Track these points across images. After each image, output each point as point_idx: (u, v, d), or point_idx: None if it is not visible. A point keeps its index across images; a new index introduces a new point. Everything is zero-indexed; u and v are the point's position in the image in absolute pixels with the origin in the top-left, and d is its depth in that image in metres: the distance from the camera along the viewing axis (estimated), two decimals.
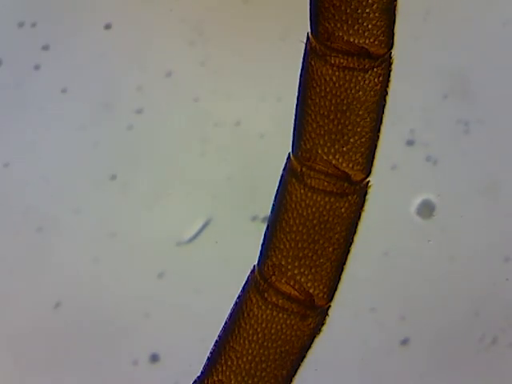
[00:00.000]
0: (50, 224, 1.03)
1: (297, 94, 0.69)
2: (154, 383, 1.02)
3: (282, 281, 0.69)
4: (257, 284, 0.70)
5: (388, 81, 0.68)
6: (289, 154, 0.70)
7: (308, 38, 0.68)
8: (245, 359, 0.69)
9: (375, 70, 0.67)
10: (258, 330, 0.69)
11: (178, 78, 1.04)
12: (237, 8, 1.03)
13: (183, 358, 1.00)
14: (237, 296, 0.72)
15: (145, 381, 1.02)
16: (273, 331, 0.69)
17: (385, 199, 1.00)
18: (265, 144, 1.03)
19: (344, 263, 0.71)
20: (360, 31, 0.66)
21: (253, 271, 0.71)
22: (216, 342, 0.71)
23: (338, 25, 0.66)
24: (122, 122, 1.04)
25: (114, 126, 1.03)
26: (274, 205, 0.71)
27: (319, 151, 0.68)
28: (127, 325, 1.02)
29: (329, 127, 0.68)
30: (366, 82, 0.67)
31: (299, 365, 0.70)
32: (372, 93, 0.67)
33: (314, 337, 0.70)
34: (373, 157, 0.69)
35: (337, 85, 0.67)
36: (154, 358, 1.02)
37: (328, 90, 0.67)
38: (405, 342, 1.02)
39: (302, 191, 0.69)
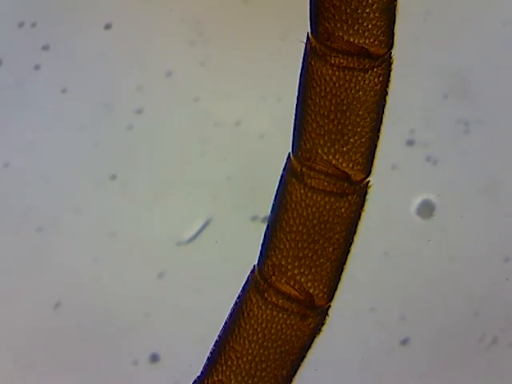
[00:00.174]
0: (49, 224, 1.03)
1: (297, 93, 0.69)
2: (154, 383, 1.02)
3: (282, 281, 0.69)
4: (257, 284, 0.70)
5: (388, 81, 0.68)
6: (289, 153, 0.70)
7: (308, 37, 0.68)
8: (245, 359, 0.69)
9: (375, 70, 0.67)
10: (258, 329, 0.69)
11: (178, 78, 1.04)
12: (237, 8, 1.03)
13: (183, 357, 1.00)
14: (237, 296, 0.72)
15: (145, 381, 1.02)
16: (273, 331, 0.69)
17: (385, 199, 1.01)
18: (265, 144, 1.03)
19: (344, 263, 0.71)
20: (360, 31, 0.66)
21: (253, 271, 0.71)
22: (216, 341, 0.71)
23: (338, 25, 0.67)
24: (122, 122, 1.04)
25: (114, 126, 1.03)
26: (273, 205, 0.71)
27: (319, 151, 0.68)
28: (127, 325, 1.02)
29: (329, 127, 0.68)
30: (366, 82, 0.67)
31: (299, 365, 0.70)
32: (372, 93, 0.67)
33: (314, 337, 0.70)
34: (373, 157, 0.69)
35: (337, 85, 0.67)
36: (154, 358, 1.02)
37: (328, 89, 0.67)
38: (405, 341, 1.02)
39: (302, 191, 0.69)
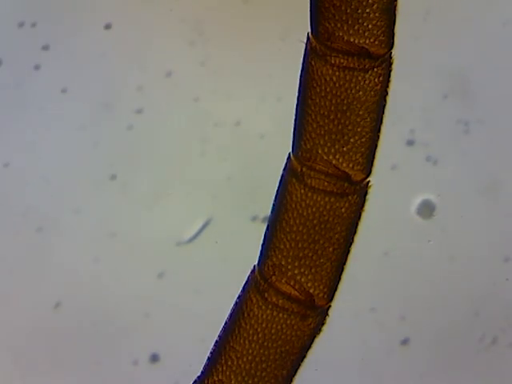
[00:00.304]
0: (50, 224, 1.03)
1: (297, 93, 0.69)
2: (154, 383, 1.02)
3: (283, 281, 0.69)
4: (257, 284, 0.70)
5: (388, 81, 0.68)
6: (289, 154, 0.70)
7: (308, 37, 0.68)
8: (245, 359, 0.69)
9: (375, 70, 0.67)
10: (259, 329, 0.69)
11: (178, 78, 1.04)
12: (237, 8, 1.03)
13: (183, 357, 1.00)
14: (237, 296, 0.72)
15: (145, 381, 1.02)
16: (273, 331, 0.69)
17: (385, 199, 1.00)
18: (265, 144, 1.03)
19: (344, 263, 0.71)
20: (360, 31, 0.67)
21: (253, 271, 0.71)
22: (216, 341, 0.71)
23: (338, 25, 0.67)
24: (122, 121, 1.04)
25: (114, 126, 1.03)
26: (274, 205, 0.71)
27: (319, 151, 0.68)
28: (127, 325, 1.02)
29: (329, 127, 0.68)
30: (366, 81, 0.67)
31: (299, 365, 0.70)
32: (372, 93, 0.67)
33: (315, 337, 0.70)
34: (373, 157, 0.69)
35: (337, 85, 0.67)
36: (154, 358, 1.02)
37: (328, 89, 0.68)
38: (405, 341, 1.02)
39: (303, 191, 0.69)
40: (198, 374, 0.72)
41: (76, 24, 1.03)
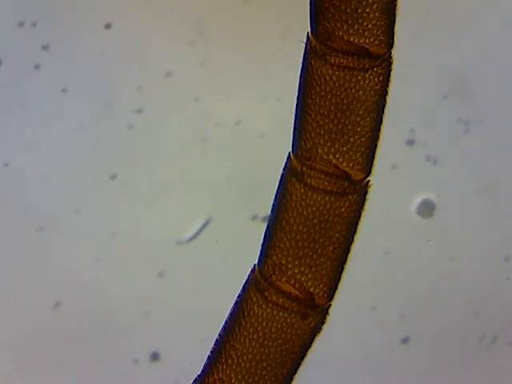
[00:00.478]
0: (49, 224, 1.03)
1: (297, 93, 0.69)
2: (155, 382, 1.02)
3: (283, 280, 0.69)
4: (257, 283, 0.70)
5: (388, 80, 0.68)
6: (289, 153, 0.70)
7: (308, 37, 0.68)
8: (245, 358, 0.69)
9: (375, 69, 0.67)
10: (259, 328, 0.69)
11: (178, 78, 1.04)
12: (237, 8, 1.03)
13: (184, 356, 1.00)
14: (237, 295, 0.72)
15: (145, 379, 1.02)
16: (273, 330, 0.69)
17: (385, 199, 1.00)
18: (265, 144, 1.03)
19: (344, 262, 0.71)
20: (360, 31, 0.67)
21: (253, 270, 0.72)
22: (216, 340, 0.71)
23: (338, 24, 0.67)
24: (122, 121, 1.04)
25: (114, 125, 1.03)
26: (274, 204, 0.71)
27: (319, 151, 0.68)
28: (127, 324, 1.02)
29: (329, 127, 0.68)
30: (366, 81, 0.67)
31: (300, 363, 0.70)
32: (372, 92, 0.68)
33: (315, 335, 0.70)
34: (373, 156, 0.69)
35: (337, 84, 0.67)
36: (155, 357, 1.02)
37: (328, 89, 0.68)
38: (405, 340, 1.02)
39: (303, 190, 0.69)
40: (199, 372, 0.72)
41: (76, 24, 1.03)
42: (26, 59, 1.03)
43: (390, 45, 0.68)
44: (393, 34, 0.68)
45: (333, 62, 0.67)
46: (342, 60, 0.67)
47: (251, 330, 0.70)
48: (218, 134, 1.04)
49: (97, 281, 1.02)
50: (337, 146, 0.68)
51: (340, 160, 0.68)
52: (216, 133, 1.04)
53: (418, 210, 1.03)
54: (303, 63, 0.69)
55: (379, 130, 0.69)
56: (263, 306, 0.70)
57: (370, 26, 0.66)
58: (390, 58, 0.68)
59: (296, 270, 0.69)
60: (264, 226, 0.71)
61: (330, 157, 0.68)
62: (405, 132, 1.03)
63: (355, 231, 0.71)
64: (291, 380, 0.71)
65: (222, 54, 1.03)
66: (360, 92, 0.67)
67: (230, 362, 0.70)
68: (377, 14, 0.67)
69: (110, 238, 1.03)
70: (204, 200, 1.03)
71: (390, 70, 0.68)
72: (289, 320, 0.69)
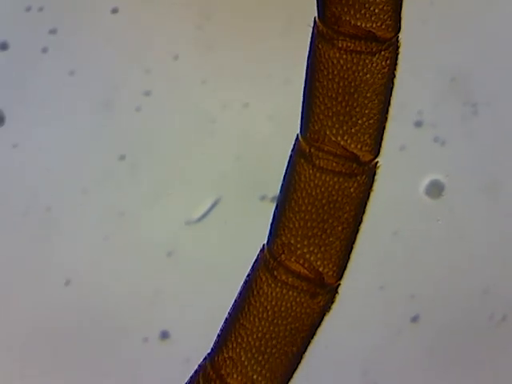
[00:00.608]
0: (58, 204, 1.04)
1: (304, 76, 0.70)
2: (165, 360, 1.03)
3: (292, 259, 0.70)
4: (266, 262, 0.71)
5: (395, 64, 0.69)
6: (297, 135, 0.71)
7: (315, 22, 0.69)
8: (255, 336, 0.70)
9: (382, 53, 0.68)
10: (268, 307, 0.70)
11: (186, 61, 1.04)
12: None
13: (193, 335, 1.01)
14: (246, 274, 0.72)
15: (155, 358, 1.03)
16: (282, 309, 0.69)
17: (394, 180, 1.01)
18: (273, 125, 1.03)
19: (353, 242, 0.71)
20: (367, 15, 0.67)
21: (262, 250, 0.72)
22: (226, 319, 0.72)
23: (345, 9, 0.67)
24: (131, 104, 1.04)
25: (123, 108, 1.04)
26: (282, 185, 0.71)
27: (327, 132, 0.69)
28: (137, 303, 1.03)
29: (337, 109, 0.69)
30: (374, 65, 0.68)
31: (309, 342, 0.71)
32: (379, 76, 0.68)
33: (324, 314, 0.71)
34: (381, 138, 0.70)
35: (344, 68, 0.68)
36: (165, 336, 1.03)
37: (336, 72, 0.68)
38: (415, 319, 1.03)
39: (311, 171, 0.70)
40: (209, 351, 0.73)
41: (83, 8, 1.03)
42: (34, 43, 1.03)
43: (397, 29, 0.68)
44: (400, 18, 0.68)
45: (340, 46, 0.68)
46: (349, 44, 0.67)
47: (261, 309, 0.70)
48: (226, 116, 1.04)
49: (106, 261, 1.03)
50: (345, 128, 0.69)
51: (348, 142, 0.69)
52: (224, 115, 1.04)
53: (427, 191, 1.04)
54: (310, 47, 0.69)
55: (387, 112, 0.69)
56: (272, 285, 0.70)
57: (376, 10, 0.67)
58: (398, 41, 0.69)
59: (305, 250, 0.70)
60: (273, 206, 0.72)
61: (339, 138, 0.69)
62: (413, 114, 1.03)
63: (364, 212, 0.71)
64: (301, 358, 0.71)
65: (230, 36, 1.03)
66: (367, 75, 0.68)
67: (239, 340, 0.70)
68: None
69: (119, 218, 1.04)
70: (213, 180, 1.04)
71: (397, 54, 0.68)
72: (298, 299, 0.69)
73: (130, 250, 1.04)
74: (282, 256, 0.70)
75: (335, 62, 0.68)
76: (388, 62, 0.68)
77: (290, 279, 0.70)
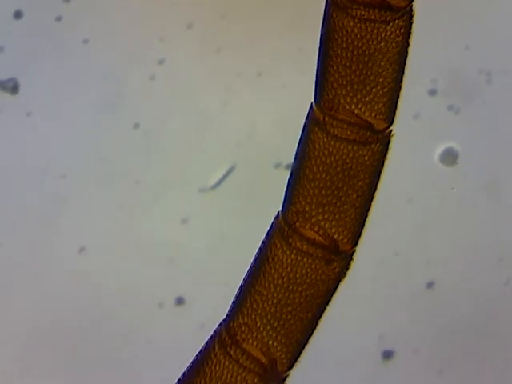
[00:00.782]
0: (73, 172, 1.05)
1: (318, 44, 0.70)
2: (180, 325, 1.04)
3: (306, 227, 0.70)
4: (281, 230, 0.71)
5: (409, 32, 0.69)
6: (311, 103, 0.71)
7: None
8: (270, 302, 0.70)
9: (397, 21, 0.68)
10: (283, 274, 0.70)
11: (200, 30, 1.04)
12: None
13: (208, 301, 1.02)
14: (261, 241, 0.72)
15: (170, 323, 1.04)
16: (298, 275, 0.70)
17: (408, 148, 1.01)
18: (287, 93, 1.04)
19: (368, 209, 0.71)
20: None
21: (277, 217, 0.72)
22: (241, 286, 0.72)
23: None
24: (145, 72, 1.05)
25: (137, 76, 1.04)
26: (297, 153, 0.72)
27: (342, 101, 0.69)
28: (152, 270, 1.04)
29: (351, 77, 0.69)
30: (388, 33, 0.68)
31: (325, 308, 0.71)
32: (394, 44, 0.68)
33: (339, 281, 0.71)
34: (395, 106, 0.70)
35: (358, 36, 0.68)
36: (180, 302, 1.04)
37: (350, 41, 0.69)
38: (430, 285, 1.04)
39: (325, 140, 0.70)
40: (223, 317, 0.73)
41: None
42: (48, 11, 1.04)
43: None
44: None
45: (354, 14, 0.68)
46: (363, 13, 0.68)
47: (276, 276, 0.70)
48: (240, 84, 1.04)
49: (121, 228, 1.04)
50: (359, 97, 0.69)
51: (362, 110, 0.69)
52: (238, 83, 1.04)
53: (441, 159, 1.05)
54: (325, 15, 0.69)
55: (401, 81, 0.70)
56: (287, 252, 0.70)
57: None
58: (412, 10, 0.69)
59: (320, 217, 0.70)
60: (287, 174, 0.72)
61: (353, 107, 0.69)
62: (427, 82, 1.03)
63: (378, 180, 0.71)
64: (316, 324, 0.72)
65: (244, 5, 1.03)
66: (382, 44, 0.68)
67: (255, 306, 0.71)
68: None
69: (134, 186, 1.04)
70: (227, 148, 1.05)
71: (411, 22, 0.69)
72: (313, 266, 0.70)
73: (145, 218, 1.05)
74: (297, 223, 0.71)
75: (349, 30, 0.69)
76: (402, 30, 0.69)
77: (305, 246, 0.70)
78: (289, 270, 0.70)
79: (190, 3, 1.04)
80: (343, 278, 0.72)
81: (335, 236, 0.70)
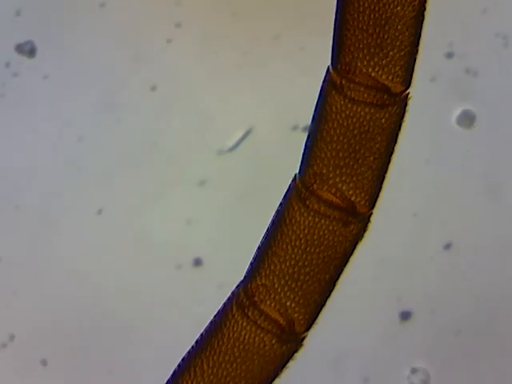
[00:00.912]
0: (90, 134, 1.06)
1: (335, 8, 0.71)
2: (198, 286, 1.05)
3: (324, 189, 0.70)
4: (298, 192, 0.71)
5: None
6: (328, 66, 0.72)
7: None
8: (288, 264, 0.71)
9: None
10: (301, 235, 0.71)
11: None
12: None
13: (226, 262, 1.03)
14: (278, 204, 0.73)
15: (188, 284, 1.05)
16: (315, 237, 0.70)
17: (425, 110, 1.02)
18: (304, 56, 1.04)
19: (385, 172, 0.71)
20: None
21: (294, 179, 0.72)
22: (259, 247, 0.72)
23: None
24: (162, 35, 1.05)
25: (154, 39, 1.05)
26: (314, 116, 0.72)
27: (359, 64, 0.70)
28: (169, 231, 1.05)
29: (368, 41, 0.70)
30: None
31: (342, 270, 0.72)
32: (410, 8, 0.69)
33: (357, 243, 0.72)
34: (412, 69, 0.70)
35: (375, 0, 0.69)
36: (198, 263, 1.05)
37: (366, 5, 0.69)
38: (447, 246, 1.05)
39: (342, 102, 0.70)
40: (241, 277, 0.73)
41: None
42: None
43: None
44: None
45: None
46: None
47: (293, 237, 0.71)
48: (258, 47, 1.05)
49: (136, 191, 1.05)
50: (376, 60, 0.70)
51: (379, 73, 0.70)
52: (256, 46, 1.05)
53: (458, 121, 1.05)
54: None
55: (418, 44, 0.70)
56: (305, 214, 0.71)
57: None
58: None
59: (337, 180, 0.70)
60: (304, 136, 0.72)
61: (370, 70, 0.70)
62: (444, 45, 1.04)
63: (396, 142, 0.71)
64: (334, 286, 0.72)
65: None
66: (398, 8, 0.69)
67: (272, 267, 0.71)
68: None
69: (151, 147, 1.05)
70: (244, 110, 1.05)
71: None
72: (331, 227, 0.70)
73: (162, 180, 1.06)
74: (314, 185, 0.71)
75: None
76: None
77: (323, 208, 0.71)
78: (306, 231, 0.71)
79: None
80: (361, 240, 0.72)
81: (352, 198, 0.71)
